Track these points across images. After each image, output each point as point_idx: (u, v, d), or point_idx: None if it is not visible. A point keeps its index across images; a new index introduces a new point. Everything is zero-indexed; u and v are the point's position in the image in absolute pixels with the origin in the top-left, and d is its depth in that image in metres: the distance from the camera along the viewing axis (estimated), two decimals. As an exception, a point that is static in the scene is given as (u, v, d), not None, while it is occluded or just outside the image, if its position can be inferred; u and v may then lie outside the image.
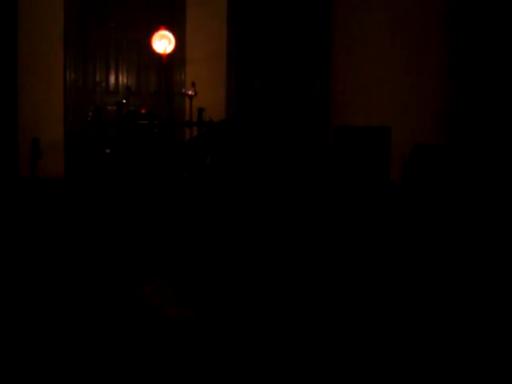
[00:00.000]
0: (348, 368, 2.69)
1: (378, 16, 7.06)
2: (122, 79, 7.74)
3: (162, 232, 4.97)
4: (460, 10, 6.14)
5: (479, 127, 5.99)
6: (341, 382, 2.60)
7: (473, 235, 4.55)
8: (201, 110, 6.45)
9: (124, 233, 5.01)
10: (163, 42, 6.71)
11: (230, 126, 6.17)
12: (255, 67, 7.74)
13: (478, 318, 3.24)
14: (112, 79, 7.74)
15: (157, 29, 6.80)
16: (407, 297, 3.59)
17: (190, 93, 6.58)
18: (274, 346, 2.89)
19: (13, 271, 4.02)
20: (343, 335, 3.03)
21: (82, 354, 2.77)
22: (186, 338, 2.96)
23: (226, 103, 7.75)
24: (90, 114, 6.33)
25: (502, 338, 2.99)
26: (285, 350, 2.84)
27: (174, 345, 2.89)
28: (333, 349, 2.86)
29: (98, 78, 7.71)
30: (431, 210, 5.01)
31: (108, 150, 6.31)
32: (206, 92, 7.02)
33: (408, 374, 2.65)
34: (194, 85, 6.56)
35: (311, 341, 2.95)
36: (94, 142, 6.52)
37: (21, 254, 4.40)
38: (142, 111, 6.55)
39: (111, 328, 3.07)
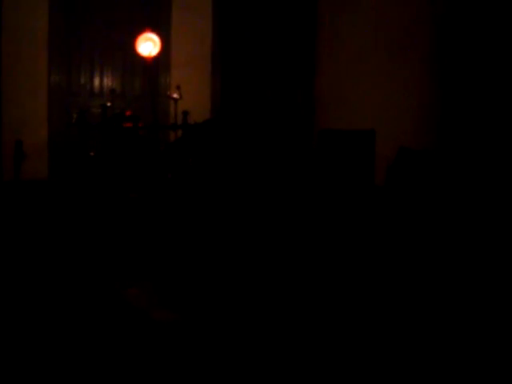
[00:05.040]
0: (344, 367, 2.70)
1: (362, 21, 7.11)
2: (107, 82, 7.71)
3: (146, 235, 4.96)
4: (444, 14, 6.20)
5: (464, 130, 6.04)
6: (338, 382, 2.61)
7: (457, 238, 4.58)
8: (186, 113, 6.44)
9: (109, 236, 5.00)
10: (148, 45, 6.69)
11: (212, 128, 6.17)
12: (240, 70, 7.75)
13: (457, 320, 3.27)
14: (96, 81, 7.71)
15: (142, 31, 6.79)
16: (393, 297, 3.61)
17: (174, 96, 6.56)
18: (259, 348, 2.89)
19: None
20: (329, 339, 3.04)
21: (64, 355, 2.76)
22: (171, 341, 2.96)
23: (211, 106, 7.76)
24: (75, 116, 6.27)
25: (493, 337, 3.02)
26: (271, 353, 2.84)
27: (158, 347, 2.88)
28: (324, 355, 2.87)
29: (82, 81, 7.67)
30: (415, 213, 5.04)
31: (92, 153, 6.29)
32: (191, 95, 7.02)
33: (406, 373, 2.66)
34: (178, 88, 6.55)
35: (295, 337, 2.96)
36: (78, 145, 6.48)
37: (3, 258, 4.37)
38: (127, 114, 6.53)
39: (95, 330, 3.05)
